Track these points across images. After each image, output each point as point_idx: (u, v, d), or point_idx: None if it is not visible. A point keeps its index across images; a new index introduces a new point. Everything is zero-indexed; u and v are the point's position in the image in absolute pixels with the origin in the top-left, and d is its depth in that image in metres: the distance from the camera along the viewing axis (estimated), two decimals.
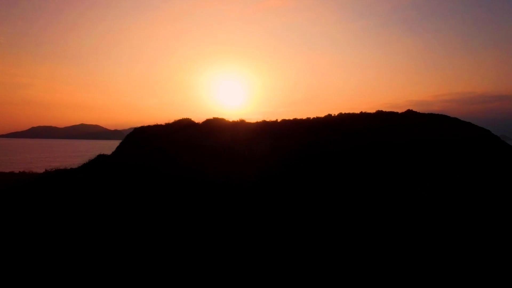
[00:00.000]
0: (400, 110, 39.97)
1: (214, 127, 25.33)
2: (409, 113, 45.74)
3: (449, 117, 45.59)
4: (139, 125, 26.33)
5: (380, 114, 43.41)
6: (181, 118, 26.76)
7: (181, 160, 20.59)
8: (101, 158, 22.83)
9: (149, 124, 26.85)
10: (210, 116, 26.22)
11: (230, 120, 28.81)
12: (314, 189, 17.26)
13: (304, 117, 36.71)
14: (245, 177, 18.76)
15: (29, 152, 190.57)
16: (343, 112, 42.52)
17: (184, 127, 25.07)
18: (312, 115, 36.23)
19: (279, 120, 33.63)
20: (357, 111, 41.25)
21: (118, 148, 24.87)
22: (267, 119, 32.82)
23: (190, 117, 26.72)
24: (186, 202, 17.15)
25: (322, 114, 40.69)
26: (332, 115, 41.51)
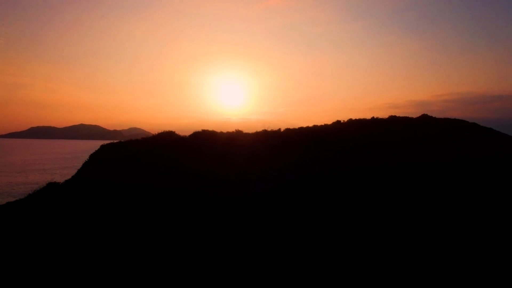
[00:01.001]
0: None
1: (202, 142, 20.86)
2: (424, 119, 41.31)
3: (467, 122, 41.19)
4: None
5: (393, 121, 38.90)
6: (163, 131, 22.34)
7: (160, 190, 16.15)
8: (51, 187, 17.63)
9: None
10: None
11: (225, 131, 24.28)
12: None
13: (310, 122, 32.50)
14: (235, 214, 14.38)
15: (28, 153, 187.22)
16: (352, 117, 37.98)
17: (166, 143, 20.57)
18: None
19: (282, 129, 29.05)
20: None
21: (79, 171, 19.92)
22: (268, 128, 28.27)
23: (174, 130, 22.30)
24: (164, 243, 12.95)
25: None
26: (341, 121, 36.94)
